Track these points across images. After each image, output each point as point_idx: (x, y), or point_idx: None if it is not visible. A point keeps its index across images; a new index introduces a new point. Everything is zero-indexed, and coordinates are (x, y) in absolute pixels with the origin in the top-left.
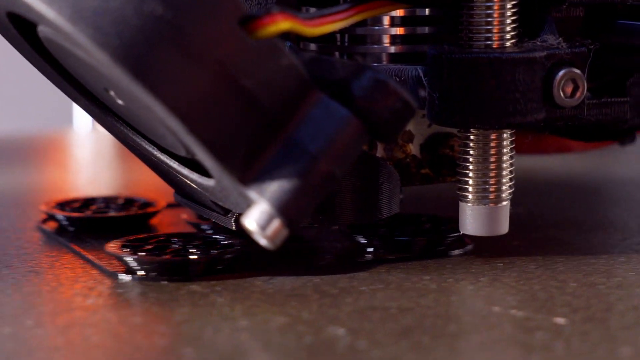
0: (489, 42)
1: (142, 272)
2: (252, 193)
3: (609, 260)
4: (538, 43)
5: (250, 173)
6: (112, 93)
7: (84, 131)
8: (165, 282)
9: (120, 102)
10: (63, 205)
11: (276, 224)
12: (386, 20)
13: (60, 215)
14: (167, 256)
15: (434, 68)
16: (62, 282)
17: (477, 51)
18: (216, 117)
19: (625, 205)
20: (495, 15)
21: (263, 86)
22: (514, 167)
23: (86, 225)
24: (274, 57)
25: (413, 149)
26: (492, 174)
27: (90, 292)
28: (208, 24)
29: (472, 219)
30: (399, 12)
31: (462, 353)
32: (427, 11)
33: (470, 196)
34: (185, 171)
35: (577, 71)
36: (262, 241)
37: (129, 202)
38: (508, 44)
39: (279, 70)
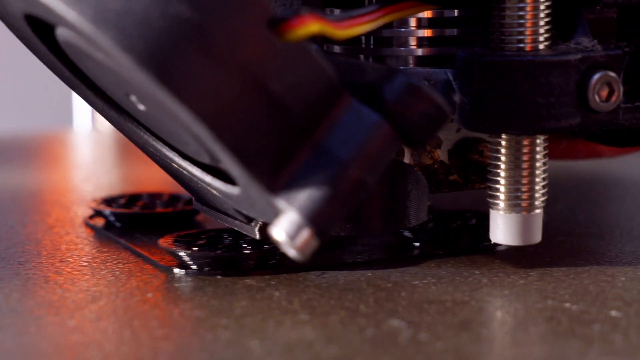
0: (521, 45)
1: (196, 267)
2: (280, 202)
3: None
4: (572, 45)
5: (278, 181)
6: (133, 98)
7: (84, 131)
8: (220, 277)
9: (141, 107)
10: (110, 201)
11: (306, 234)
12: (414, 21)
13: (107, 211)
14: (220, 251)
15: (465, 71)
16: (118, 277)
17: (509, 54)
18: (243, 123)
19: None
20: (528, 16)
21: (292, 91)
22: (547, 174)
23: (133, 221)
24: (304, 61)
25: (441, 154)
26: (524, 180)
27: (147, 287)
28: (235, 26)
29: (504, 228)
30: (427, 14)
31: (524, 344)
32: (456, 12)
33: (501, 204)
34: (208, 178)
35: (613, 74)
36: (291, 252)
37: (174, 198)
38: (541, 46)
39: (308, 74)
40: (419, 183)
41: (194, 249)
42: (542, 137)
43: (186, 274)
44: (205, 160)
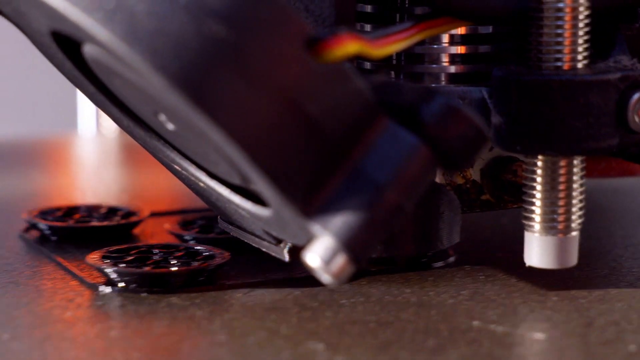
0: (559, 64)
1: (123, 284)
2: (315, 226)
3: (591, 274)
4: (611, 64)
5: (313, 204)
6: (162, 117)
7: (89, 135)
8: (145, 294)
9: (170, 126)
10: (45, 213)
11: (341, 259)
12: (446, 38)
13: (42, 224)
14: (147, 268)
15: (501, 90)
16: (42, 293)
17: (547, 73)
18: (278, 145)
19: (614, 216)
20: (566, 34)
21: (328, 112)
22: (584, 195)
23: (68, 234)
24: (341, 82)
25: (473, 173)
26: (561, 202)
27: (69, 304)
28: (272, 46)
29: (539, 251)
30: (460, 30)
31: None
32: (490, 29)
33: (537, 226)
34: (237, 199)
35: None
36: (326, 277)
37: (112, 211)
38: (580, 65)
39: (345, 96)
40: (452, 204)
41: (121, 265)
42: (580, 158)
43: (112, 291)
44: (236, 181)
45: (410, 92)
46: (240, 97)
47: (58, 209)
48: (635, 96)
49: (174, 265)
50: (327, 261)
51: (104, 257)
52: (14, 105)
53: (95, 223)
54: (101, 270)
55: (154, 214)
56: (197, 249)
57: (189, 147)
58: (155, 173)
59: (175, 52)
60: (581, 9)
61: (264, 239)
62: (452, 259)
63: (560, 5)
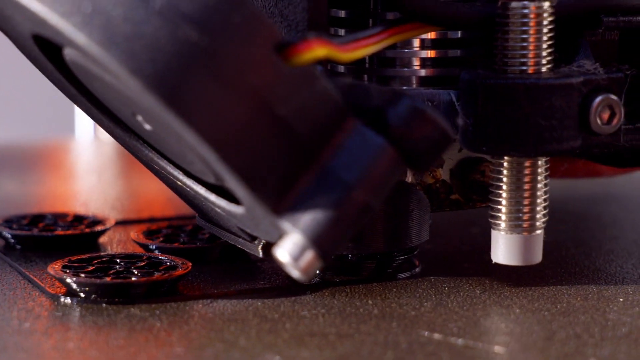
0: (524, 67)
1: (83, 294)
2: (285, 223)
3: (555, 285)
4: (574, 68)
5: (283, 203)
6: (139, 118)
7: (86, 139)
8: (105, 305)
9: (147, 127)
10: (10, 222)
11: (310, 255)
12: (417, 42)
13: (6, 232)
14: (108, 278)
15: (468, 93)
16: (1, 303)
17: (512, 77)
18: (250, 145)
19: (585, 226)
20: (531, 39)
21: (298, 114)
22: (548, 195)
23: (32, 243)
24: (310, 84)
25: (443, 174)
26: (526, 201)
27: (27, 315)
28: (243, 50)
29: (504, 248)
30: (430, 35)
31: None
32: (459, 34)
33: (503, 224)
34: (213, 197)
35: (614, 97)
36: (294, 273)
37: (78, 219)
38: (544, 69)
39: (315, 98)
40: (421, 202)
41: (82, 275)
42: (544, 159)
43: (72, 301)
44: (211, 179)
45: (378, 95)
46: (212, 99)
47: (24, 216)
48: (597, 99)
49: (135, 275)
50: (296, 257)
51: (65, 267)
52: (11, 109)
53: (59, 232)
54: (62, 280)
55: (120, 222)
56: (160, 259)
57: (166, 147)
58: (151, 177)
59: (150, 55)
60: (545, 15)
61: (239, 236)
62: (417, 270)
63: (525, 11)
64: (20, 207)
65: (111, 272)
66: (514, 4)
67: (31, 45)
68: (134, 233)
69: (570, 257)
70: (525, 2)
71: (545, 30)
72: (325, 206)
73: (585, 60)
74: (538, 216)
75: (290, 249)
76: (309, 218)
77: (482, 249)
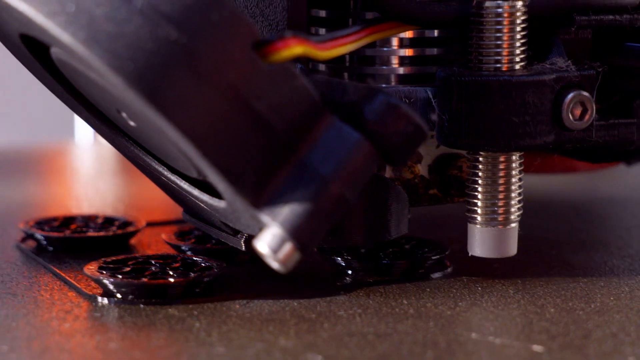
0: (498, 65)
1: (120, 295)
2: (264, 216)
3: (588, 285)
4: (547, 66)
5: (262, 196)
6: (124, 114)
7: (86, 143)
8: (142, 306)
9: (132, 123)
10: (42, 223)
11: (288, 247)
12: (395, 41)
13: (39, 234)
14: (144, 279)
15: (443, 90)
16: (40, 304)
17: (486, 74)
18: (229, 140)
19: (610, 226)
20: (504, 37)
21: (275, 110)
22: (522, 189)
23: (65, 245)
24: (287, 81)
25: (421, 169)
26: (500, 196)
27: (67, 316)
28: (222, 48)
29: (480, 241)
30: (408, 34)
31: None
32: (435, 32)
33: (479, 218)
34: (196, 192)
35: (586, 94)
36: (274, 264)
37: (109, 221)
38: (517, 66)
39: (292, 94)
40: (399, 197)
41: (119, 276)
42: (518, 154)
43: (109, 302)
44: (193, 174)
45: (354, 91)
46: (192, 96)
47: (55, 219)
48: (570, 96)
49: (171, 276)
50: (275, 249)
51: (101, 268)
52: (10, 113)
53: (91, 233)
54: (99, 282)
55: (150, 224)
56: (194, 260)
57: (151, 144)
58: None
59: (132, 53)
60: (519, 14)
61: (222, 230)
62: (449, 270)
63: (499, 10)
64: (46, 209)
65: (147, 273)
66: (488, 4)
67: (19, 45)
68: (166, 235)
69: (599, 257)
70: (499, 2)
71: (518, 29)
72: (302, 199)
73: (558, 58)
74: (513, 210)
75: (270, 241)
76: (287, 211)
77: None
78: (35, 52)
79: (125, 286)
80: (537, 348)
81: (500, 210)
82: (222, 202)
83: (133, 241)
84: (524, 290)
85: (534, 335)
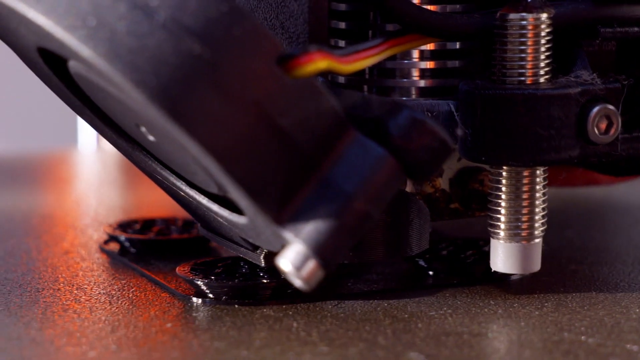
0: (522, 78)
1: (213, 296)
2: (287, 233)
3: None
4: (572, 79)
5: (285, 213)
6: (143, 129)
7: (89, 150)
8: (237, 306)
9: (151, 138)
10: (125, 226)
11: (312, 264)
12: (416, 53)
13: (122, 236)
14: (237, 280)
15: (467, 103)
16: (137, 305)
17: (510, 87)
18: (252, 157)
19: None
20: (529, 50)
21: (299, 125)
22: (547, 204)
23: (148, 247)
24: (311, 96)
25: (442, 183)
26: (524, 210)
27: (166, 316)
28: (246, 63)
29: (503, 257)
30: (429, 46)
31: None
32: (458, 44)
33: (502, 233)
34: (215, 207)
35: (612, 107)
36: (297, 282)
37: (189, 224)
38: (542, 79)
39: (316, 110)
40: (421, 211)
41: (212, 277)
42: (542, 169)
43: (203, 302)
44: (213, 190)
45: (378, 106)
46: (215, 111)
47: (135, 221)
48: (595, 109)
49: (263, 277)
50: (298, 267)
51: (192, 270)
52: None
53: (175, 236)
54: (192, 283)
55: None
56: None
57: (169, 158)
58: (153, 188)
59: (154, 68)
60: (543, 26)
61: (241, 246)
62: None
63: (523, 23)
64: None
65: (238, 274)
66: (512, 16)
67: (36, 58)
68: None
69: None
70: (523, 14)
71: (543, 41)
72: (326, 216)
73: (583, 71)
74: (537, 225)
75: (293, 258)
76: (311, 228)
77: (582, 252)
78: (52, 65)
79: (218, 287)
80: (632, 347)
81: (524, 226)
82: (243, 218)
83: (213, 245)
84: (606, 291)
85: (624, 335)
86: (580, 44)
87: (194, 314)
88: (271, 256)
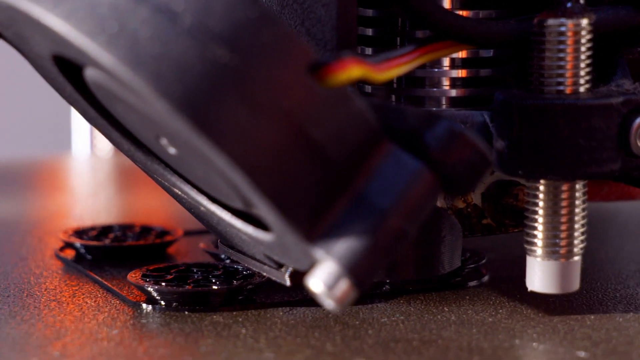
0: (561, 87)
1: (164, 303)
2: (318, 251)
3: (628, 291)
4: (613, 88)
5: (316, 230)
6: (163, 141)
7: (83, 156)
8: (187, 313)
9: (172, 150)
10: (81, 233)
11: (344, 284)
12: (447, 61)
13: (78, 243)
14: (188, 286)
15: (503, 114)
16: (85, 311)
17: (549, 97)
18: (282, 170)
19: None
20: (568, 58)
21: (332, 137)
22: (586, 220)
23: (104, 253)
24: (345, 107)
25: (474, 197)
26: (563, 227)
27: (113, 323)
28: (276, 71)
29: (541, 275)
30: (461, 54)
31: None
32: (491, 52)
33: (539, 251)
34: (239, 223)
35: None
36: (329, 303)
37: (146, 230)
38: (582, 89)
39: (349, 120)
40: (453, 228)
41: (162, 284)
42: (582, 182)
43: (154, 309)
44: (237, 205)
45: (414, 117)
46: (243, 122)
47: (92, 228)
48: (638, 120)
49: (214, 284)
50: (331, 286)
51: (144, 276)
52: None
53: (131, 242)
54: (143, 289)
55: (188, 233)
56: (236, 268)
57: (190, 171)
58: (150, 193)
59: (179, 76)
60: (583, 33)
61: (264, 263)
62: (486, 278)
63: (563, 29)
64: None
65: (190, 280)
66: (550, 22)
67: (50, 66)
68: (204, 243)
69: (634, 266)
70: (563, 20)
71: (583, 48)
72: (360, 233)
73: (624, 80)
74: (576, 242)
75: (325, 278)
76: (344, 246)
77: None
78: (67, 73)
79: (169, 294)
80: (581, 354)
81: (563, 243)
82: (269, 235)
83: (171, 250)
84: (562, 298)
85: (577, 342)
86: (620, 52)
87: (143, 321)
88: (297, 275)
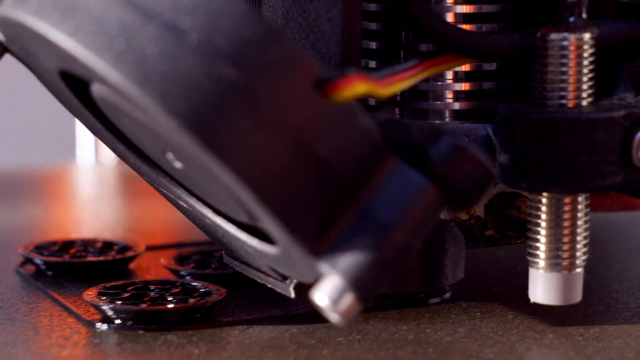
0: (563, 101)
1: (119, 321)
2: (323, 265)
3: (587, 310)
4: (615, 101)
5: (321, 244)
6: (169, 156)
7: (88, 164)
8: (142, 332)
9: (178, 165)
10: (41, 248)
11: (349, 298)
12: (451, 75)
13: (38, 259)
14: (144, 305)
15: (506, 127)
16: (39, 331)
17: (552, 111)
18: (288, 186)
19: (610, 250)
20: (571, 72)
21: (337, 152)
22: (588, 232)
23: (64, 269)
24: (349, 122)
25: (477, 209)
26: (565, 239)
27: (66, 342)
28: (282, 87)
29: (543, 287)
30: (465, 67)
31: None
32: (495, 65)
33: (542, 263)
34: (244, 236)
35: None
36: (333, 317)
37: (108, 245)
38: (584, 102)
39: (354, 136)
40: (456, 240)
41: (118, 302)
42: (584, 195)
43: (109, 328)
44: (243, 219)
45: (418, 131)
46: (249, 138)
47: (54, 243)
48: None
49: (170, 302)
50: (335, 300)
51: (100, 294)
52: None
53: (91, 258)
54: (98, 308)
55: (150, 248)
56: (193, 285)
57: (196, 185)
58: (153, 204)
59: (186, 93)
60: (586, 47)
61: (269, 275)
62: (448, 295)
63: (565, 43)
64: (47, 233)
65: (146, 298)
66: (553, 36)
67: (57, 81)
68: (165, 259)
69: (598, 282)
70: (565, 34)
71: (585, 62)
72: (364, 247)
73: (627, 93)
74: (578, 254)
75: (330, 291)
76: (348, 260)
77: (510, 274)
78: (74, 88)
79: (124, 312)
80: None
81: (565, 255)
82: (275, 248)
83: (132, 265)
84: (523, 315)
85: None
86: (622, 65)
87: (96, 340)
88: (301, 287)
